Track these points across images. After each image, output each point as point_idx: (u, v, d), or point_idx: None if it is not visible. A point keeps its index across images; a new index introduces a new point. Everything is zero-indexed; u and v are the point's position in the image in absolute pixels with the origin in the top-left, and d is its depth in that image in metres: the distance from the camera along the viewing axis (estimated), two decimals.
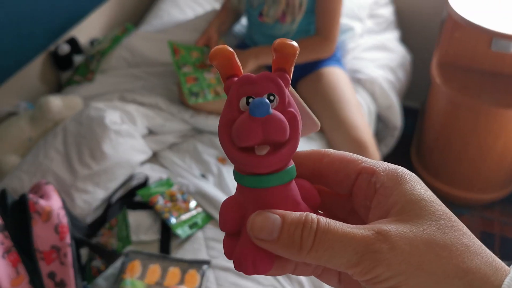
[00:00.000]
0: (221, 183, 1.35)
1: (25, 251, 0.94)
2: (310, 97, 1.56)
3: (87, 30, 1.77)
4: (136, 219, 1.23)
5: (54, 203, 0.97)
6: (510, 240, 1.82)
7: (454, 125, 1.77)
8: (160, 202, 1.28)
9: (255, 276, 1.10)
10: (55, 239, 0.96)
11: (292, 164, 0.30)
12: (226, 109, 0.29)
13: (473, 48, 1.73)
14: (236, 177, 0.30)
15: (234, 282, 1.11)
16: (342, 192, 0.33)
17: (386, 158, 1.85)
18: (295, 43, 0.29)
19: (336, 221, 0.27)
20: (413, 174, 0.30)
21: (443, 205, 0.29)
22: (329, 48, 1.54)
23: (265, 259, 0.28)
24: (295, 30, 1.53)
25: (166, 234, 1.21)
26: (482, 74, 1.74)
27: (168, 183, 1.33)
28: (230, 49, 0.29)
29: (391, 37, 1.95)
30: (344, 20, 1.82)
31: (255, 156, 0.28)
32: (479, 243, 0.28)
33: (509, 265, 0.27)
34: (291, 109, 0.29)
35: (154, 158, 1.43)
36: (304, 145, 1.44)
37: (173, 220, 1.22)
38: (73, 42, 1.67)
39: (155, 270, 1.11)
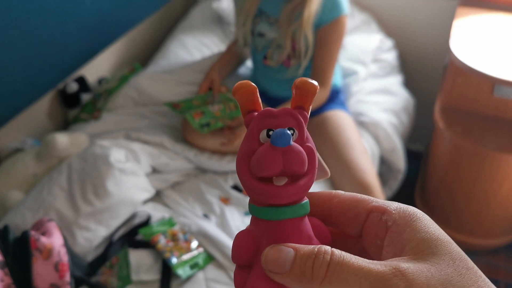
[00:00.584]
0: (223, 224, 1.34)
1: None
2: (315, 140, 1.55)
3: (96, 69, 1.81)
4: (137, 258, 1.22)
5: (55, 240, 0.97)
6: None
7: (458, 169, 1.77)
8: (162, 241, 1.27)
9: None
10: (54, 277, 0.95)
11: (306, 199, 0.31)
12: (246, 141, 0.30)
13: (476, 94, 1.75)
14: (251, 209, 0.30)
15: None
16: (352, 232, 0.33)
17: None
18: (315, 82, 0.30)
19: (351, 254, 0.27)
20: (425, 214, 0.30)
21: (457, 246, 0.29)
22: (325, 94, 1.56)
23: None
24: (301, 74, 1.56)
25: (167, 274, 1.20)
26: (485, 119, 1.75)
27: (170, 222, 1.32)
28: (253, 84, 0.30)
29: (395, 81, 1.97)
30: (348, 64, 1.85)
31: (273, 186, 0.29)
32: (493, 286, 0.28)
33: None
34: (309, 144, 0.30)
35: (157, 196, 1.43)
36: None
37: (174, 260, 1.21)
38: (81, 80, 1.70)
39: None
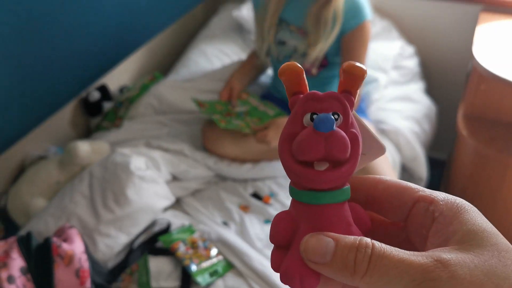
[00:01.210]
0: (242, 231, 1.34)
1: None
2: None
3: (117, 77, 1.83)
4: (157, 265, 1.23)
5: (76, 247, 0.98)
6: None
7: (481, 178, 1.74)
8: (181, 248, 1.27)
9: None
10: (75, 283, 0.96)
11: (347, 185, 0.30)
12: (289, 123, 0.30)
13: (500, 101, 1.72)
14: (291, 191, 0.30)
15: None
16: (396, 220, 0.32)
17: None
18: (364, 66, 0.30)
19: (391, 246, 0.27)
20: (473, 206, 0.29)
21: (505, 238, 0.28)
22: (357, 101, 1.53)
23: (313, 275, 0.28)
24: (320, 82, 1.55)
25: (186, 281, 1.20)
26: (509, 126, 1.72)
27: (190, 230, 1.33)
28: (299, 65, 0.30)
29: (416, 88, 1.95)
30: (368, 71, 1.84)
31: (314, 170, 0.29)
32: None
33: None
34: (354, 130, 0.30)
35: (177, 204, 1.44)
36: None
37: (193, 268, 1.21)
38: (103, 89, 1.72)
39: None
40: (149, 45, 1.96)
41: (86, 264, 0.98)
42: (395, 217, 0.32)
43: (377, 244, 0.27)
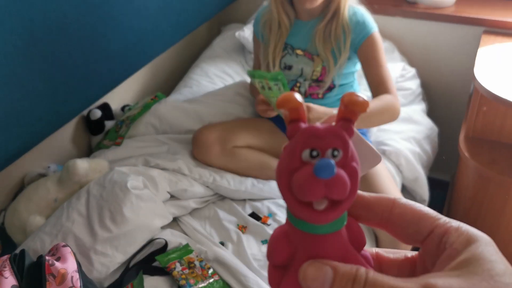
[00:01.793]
0: (240, 252, 1.33)
1: None
2: None
3: (120, 96, 1.85)
4: (153, 284, 1.22)
5: (69, 265, 0.98)
6: None
7: (483, 200, 1.72)
8: (178, 268, 1.26)
9: None
10: None
11: (344, 211, 0.30)
12: (287, 157, 0.30)
13: (502, 122, 1.71)
14: (289, 216, 0.31)
15: None
16: (409, 243, 0.33)
17: None
18: (366, 101, 0.30)
19: (384, 275, 0.28)
20: (487, 237, 0.29)
21: (507, 265, 0.28)
22: (397, 104, 1.45)
23: None
24: (325, 104, 1.56)
25: None
26: (511, 147, 1.71)
27: (186, 249, 1.32)
28: (299, 98, 0.30)
29: (418, 109, 1.95)
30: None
31: (313, 210, 0.29)
32: None
33: None
34: (353, 164, 0.30)
35: (175, 223, 1.43)
36: None
37: None
38: (105, 107, 1.74)
39: None
40: (152, 65, 1.98)
41: (78, 283, 0.97)
42: (408, 242, 0.32)
43: (371, 272, 0.28)
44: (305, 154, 0.29)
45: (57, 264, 0.96)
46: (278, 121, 1.65)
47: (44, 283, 0.95)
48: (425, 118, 1.94)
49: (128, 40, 1.74)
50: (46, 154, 1.57)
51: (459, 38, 2.09)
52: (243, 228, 1.42)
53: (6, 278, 0.92)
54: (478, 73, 1.67)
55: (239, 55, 2.16)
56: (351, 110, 0.30)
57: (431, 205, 1.78)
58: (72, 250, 1.03)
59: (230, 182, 1.51)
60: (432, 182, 1.83)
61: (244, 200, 1.52)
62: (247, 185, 1.52)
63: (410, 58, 2.15)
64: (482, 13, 2.03)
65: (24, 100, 1.37)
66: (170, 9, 1.95)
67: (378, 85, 1.46)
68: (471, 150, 1.72)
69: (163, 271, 1.27)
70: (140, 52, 1.85)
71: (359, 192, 0.32)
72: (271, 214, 1.46)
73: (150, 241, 1.34)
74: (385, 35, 2.16)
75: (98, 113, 1.69)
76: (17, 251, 1.10)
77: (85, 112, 1.71)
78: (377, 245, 1.50)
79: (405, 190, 1.78)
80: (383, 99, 1.42)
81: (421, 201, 1.76)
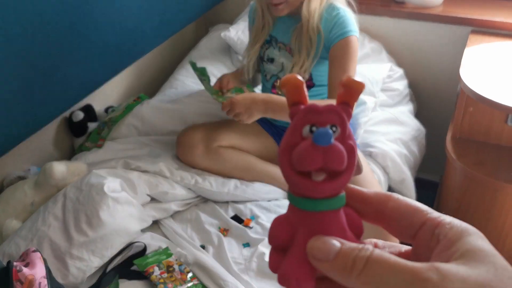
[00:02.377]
0: (220, 255, 1.31)
1: None
2: None
3: (104, 97, 1.82)
4: None
5: (37, 271, 0.96)
6: None
7: (471, 201, 1.70)
8: (156, 272, 1.24)
9: None
10: None
11: (343, 192, 0.31)
12: (289, 134, 0.31)
13: (489, 123, 1.70)
14: (290, 197, 0.32)
15: None
16: (402, 238, 0.33)
17: None
18: (363, 82, 0.31)
19: (390, 254, 0.28)
20: (478, 230, 0.30)
21: (504, 260, 0.28)
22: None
23: (309, 278, 0.30)
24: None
25: None
26: (498, 149, 1.69)
27: (166, 253, 1.30)
28: (300, 78, 0.31)
29: (405, 110, 1.93)
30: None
31: (312, 181, 0.30)
32: None
33: None
34: (350, 142, 0.31)
35: (156, 226, 1.41)
36: None
37: None
38: (88, 108, 1.71)
39: None
40: (137, 65, 1.96)
41: None
42: (402, 236, 0.33)
43: (377, 249, 0.28)
44: (305, 129, 0.31)
45: (25, 270, 0.94)
46: (263, 122, 1.63)
47: None
48: (412, 119, 1.92)
49: (110, 41, 1.72)
50: (27, 156, 1.55)
51: (447, 38, 2.07)
52: (224, 231, 1.40)
53: None
54: (464, 73, 1.66)
55: (225, 55, 2.14)
56: (349, 92, 0.31)
57: None
58: (42, 256, 1.01)
59: (212, 184, 1.49)
60: (422, 183, 1.81)
61: (227, 202, 1.50)
62: (230, 187, 1.49)
63: (397, 58, 2.13)
64: (469, 13, 2.02)
65: (1, 99, 1.35)
66: (153, 10, 1.93)
67: (334, 90, 1.43)
68: (458, 151, 1.71)
69: (141, 275, 1.25)
70: (123, 53, 1.82)
71: (357, 187, 0.33)
72: (253, 217, 1.44)
73: (129, 245, 1.32)
74: (372, 35, 2.14)
75: (80, 115, 1.67)
76: None
77: (67, 114, 1.68)
78: None
79: (392, 192, 1.76)
80: (329, 103, 1.41)
81: None
